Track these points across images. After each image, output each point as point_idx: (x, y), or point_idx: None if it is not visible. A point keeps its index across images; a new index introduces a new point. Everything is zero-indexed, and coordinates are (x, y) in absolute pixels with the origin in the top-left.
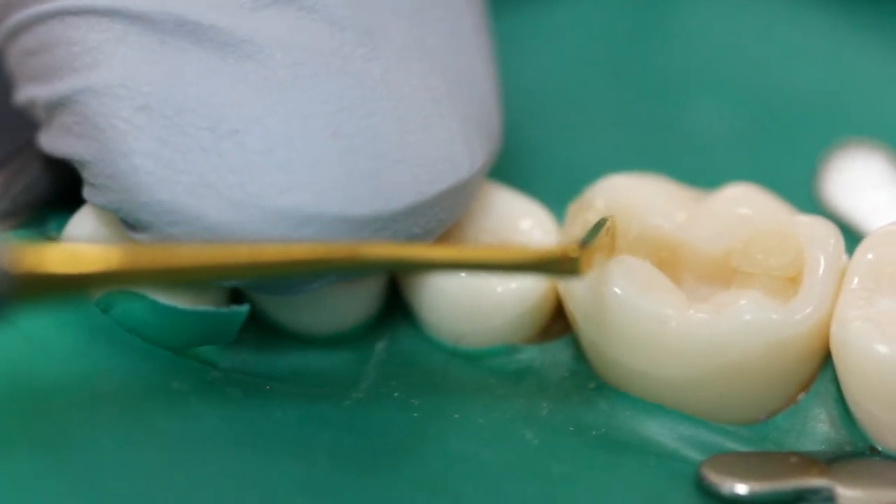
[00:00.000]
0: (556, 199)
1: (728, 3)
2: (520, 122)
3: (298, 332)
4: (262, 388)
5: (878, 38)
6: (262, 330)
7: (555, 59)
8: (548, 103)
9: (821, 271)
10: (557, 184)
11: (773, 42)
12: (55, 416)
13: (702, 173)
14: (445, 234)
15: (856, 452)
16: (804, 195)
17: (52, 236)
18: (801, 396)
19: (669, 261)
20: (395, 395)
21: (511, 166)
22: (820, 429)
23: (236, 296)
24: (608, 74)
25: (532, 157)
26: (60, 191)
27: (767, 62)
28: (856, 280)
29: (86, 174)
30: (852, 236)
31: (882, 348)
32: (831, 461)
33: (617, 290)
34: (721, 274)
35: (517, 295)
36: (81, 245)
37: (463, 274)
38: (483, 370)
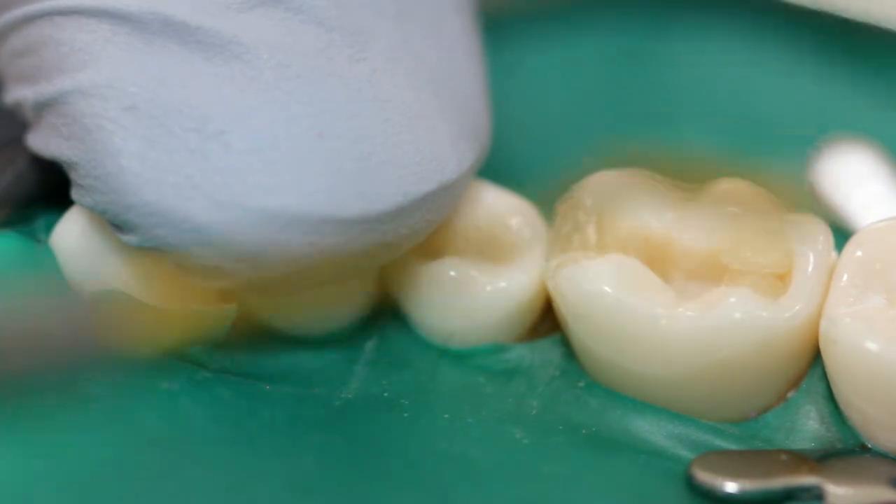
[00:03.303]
0: (548, 197)
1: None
2: (511, 121)
3: (288, 332)
4: (251, 388)
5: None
6: (251, 330)
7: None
8: (539, 104)
9: (810, 269)
10: (548, 182)
11: (758, 69)
12: (44, 417)
13: (693, 172)
14: (434, 233)
15: (846, 450)
16: (794, 193)
17: (41, 238)
18: (790, 394)
19: (659, 258)
20: (385, 394)
21: (502, 164)
22: (810, 426)
23: (225, 295)
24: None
25: (523, 155)
26: (50, 192)
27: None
28: (845, 277)
29: (73, 175)
30: (842, 233)
31: (871, 345)
32: (821, 459)
33: (606, 287)
34: (711, 271)
35: (506, 293)
36: None
37: (452, 273)
38: (472, 369)
